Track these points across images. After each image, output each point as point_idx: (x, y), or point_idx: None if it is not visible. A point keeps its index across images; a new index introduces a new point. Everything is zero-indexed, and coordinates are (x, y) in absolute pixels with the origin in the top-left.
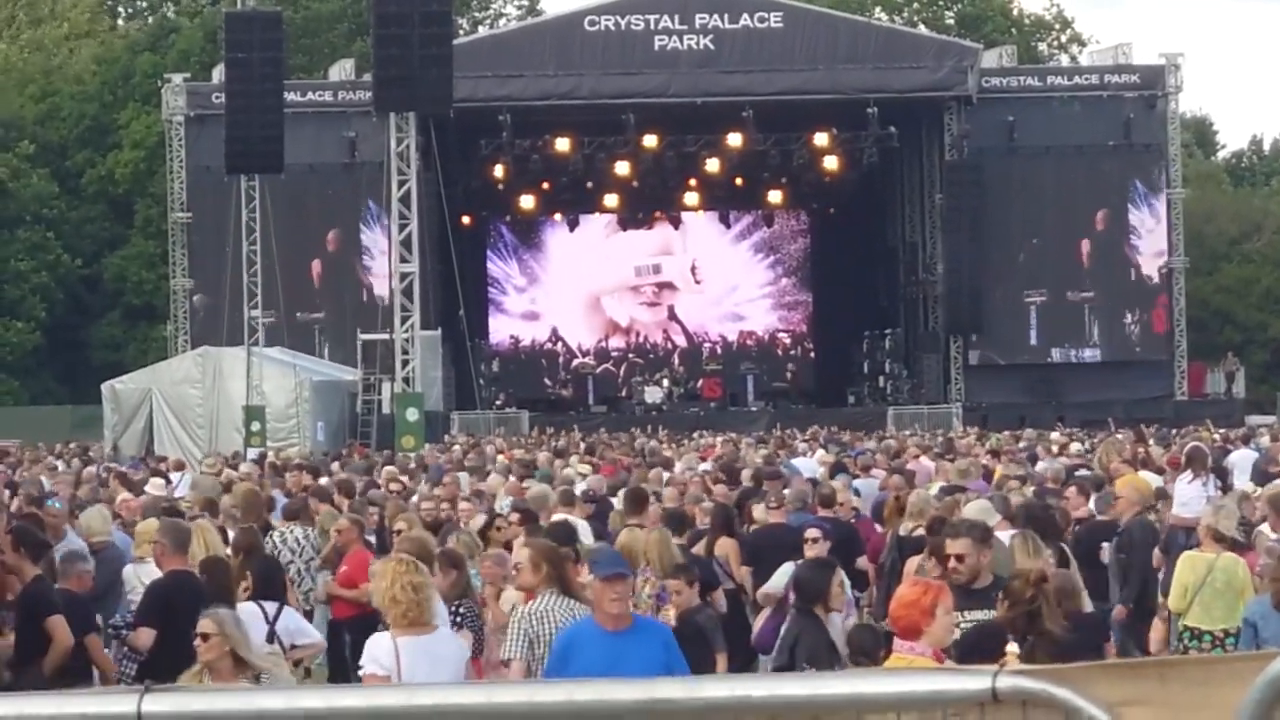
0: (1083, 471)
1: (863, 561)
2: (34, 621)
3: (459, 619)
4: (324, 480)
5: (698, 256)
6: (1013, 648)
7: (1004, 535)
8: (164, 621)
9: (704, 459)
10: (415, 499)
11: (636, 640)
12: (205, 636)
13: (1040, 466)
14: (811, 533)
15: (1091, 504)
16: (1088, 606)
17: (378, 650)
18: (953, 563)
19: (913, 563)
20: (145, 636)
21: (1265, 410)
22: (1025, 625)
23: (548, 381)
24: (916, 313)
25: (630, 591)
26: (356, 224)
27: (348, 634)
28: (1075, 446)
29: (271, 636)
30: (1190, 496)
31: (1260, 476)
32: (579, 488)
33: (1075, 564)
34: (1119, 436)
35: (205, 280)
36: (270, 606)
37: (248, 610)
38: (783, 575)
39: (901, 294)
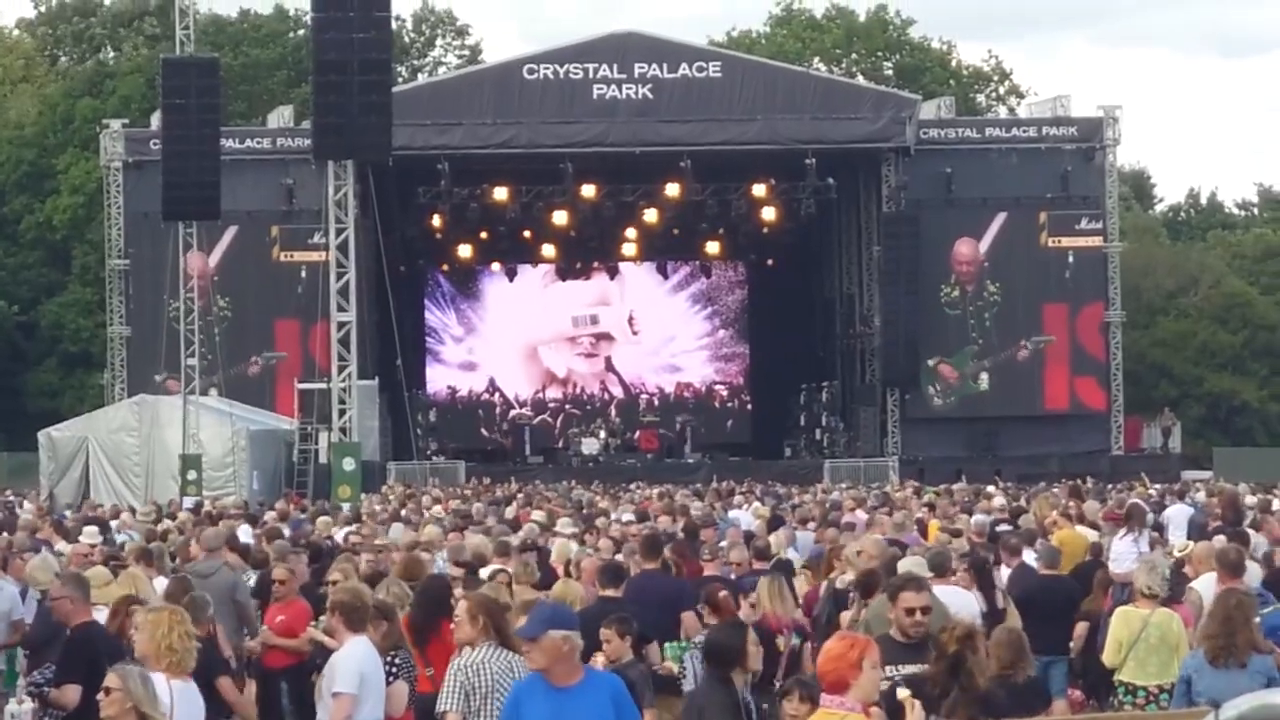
0: (1004, 527)
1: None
2: None
3: (395, 669)
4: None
5: (635, 307)
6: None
7: (940, 589)
8: (87, 676)
9: (641, 511)
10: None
11: (584, 695)
12: (107, 690)
13: (975, 520)
14: (755, 597)
15: (1030, 559)
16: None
17: (160, 692)
18: (918, 615)
19: (845, 617)
20: (71, 694)
21: (1201, 465)
22: (947, 679)
23: (484, 432)
24: (853, 365)
25: (562, 649)
26: None
27: (284, 683)
28: (998, 501)
29: None
30: (1121, 552)
31: (1198, 533)
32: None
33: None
34: (1054, 491)
35: (141, 327)
36: None
37: None
38: None
39: (839, 346)
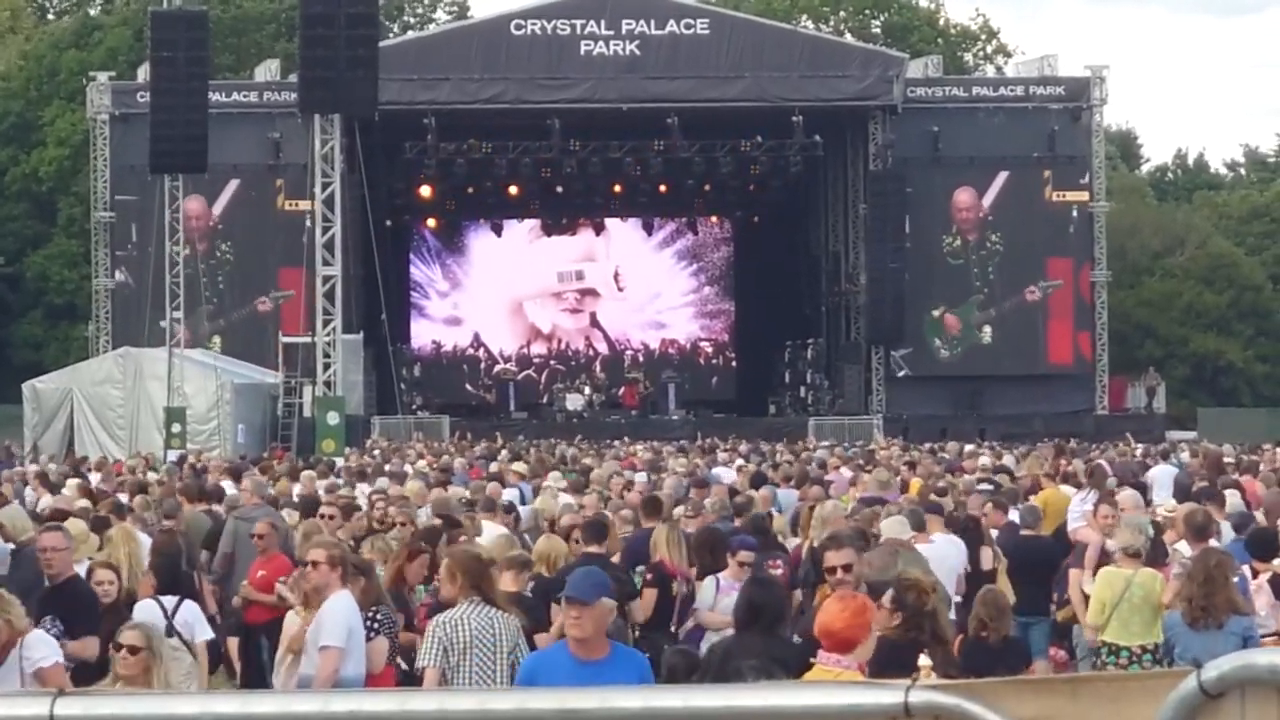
0: (983, 486)
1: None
2: None
3: (376, 625)
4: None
5: (621, 263)
6: (925, 661)
7: (923, 548)
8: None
9: (625, 468)
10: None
11: (609, 671)
12: (134, 649)
13: (965, 480)
14: (744, 555)
15: (1016, 518)
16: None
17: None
18: (839, 574)
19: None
20: (91, 646)
21: (1185, 425)
22: (930, 637)
23: (469, 387)
24: (839, 323)
25: (608, 619)
26: None
27: (264, 637)
28: (984, 460)
29: (171, 630)
30: (1071, 509)
31: (1183, 494)
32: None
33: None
34: (1039, 449)
35: (126, 280)
36: (169, 601)
37: (145, 608)
38: (709, 591)
39: (824, 304)
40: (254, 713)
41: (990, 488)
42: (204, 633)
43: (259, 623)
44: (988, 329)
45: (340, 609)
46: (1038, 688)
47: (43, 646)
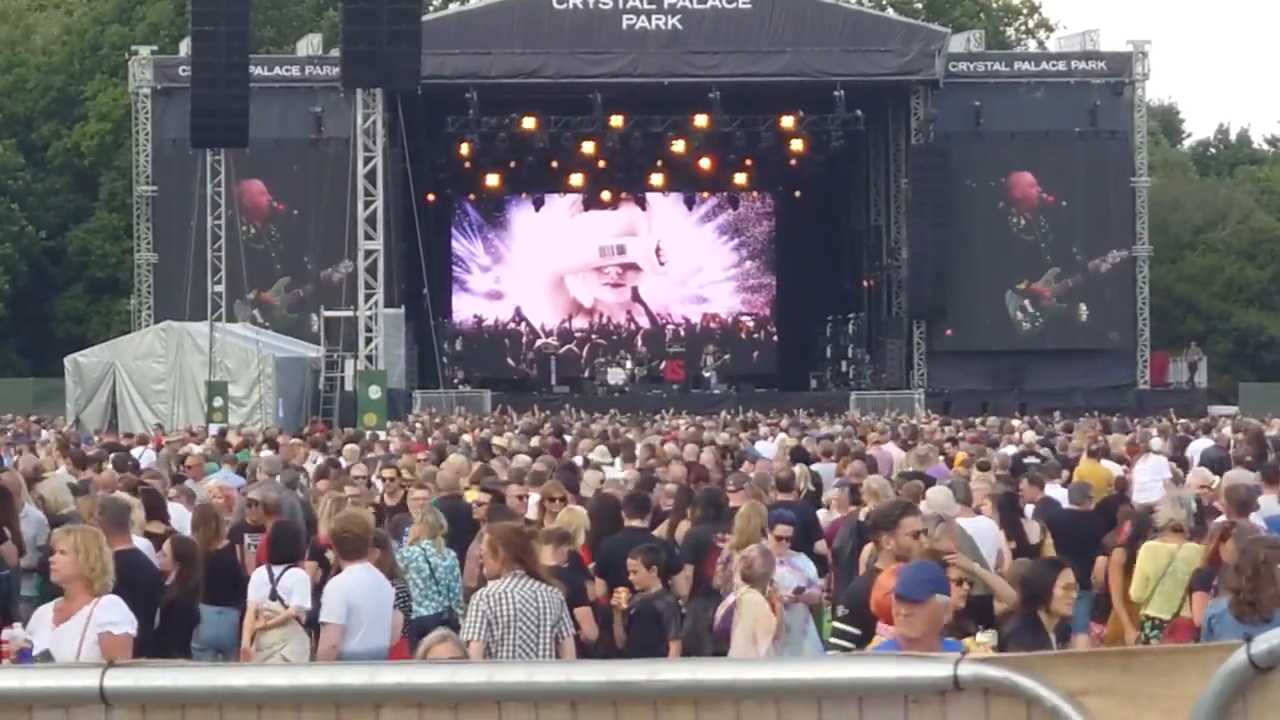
0: (1030, 459)
1: (820, 546)
2: None
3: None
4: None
5: (662, 238)
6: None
7: (965, 522)
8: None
9: (667, 441)
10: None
11: None
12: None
13: (999, 453)
14: (781, 529)
15: (1057, 493)
16: None
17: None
18: (922, 539)
19: (867, 550)
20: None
21: (1227, 400)
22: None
23: (510, 361)
24: (880, 297)
25: (943, 619)
26: None
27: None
28: (1028, 435)
29: (274, 595)
30: (1146, 479)
31: (1217, 467)
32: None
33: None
34: (1089, 422)
35: (169, 254)
36: (277, 569)
37: (257, 575)
38: None
39: (865, 278)
40: (303, 684)
41: (1035, 461)
42: (300, 599)
43: None
44: (1082, 307)
45: (341, 585)
46: (1088, 660)
47: (117, 611)
